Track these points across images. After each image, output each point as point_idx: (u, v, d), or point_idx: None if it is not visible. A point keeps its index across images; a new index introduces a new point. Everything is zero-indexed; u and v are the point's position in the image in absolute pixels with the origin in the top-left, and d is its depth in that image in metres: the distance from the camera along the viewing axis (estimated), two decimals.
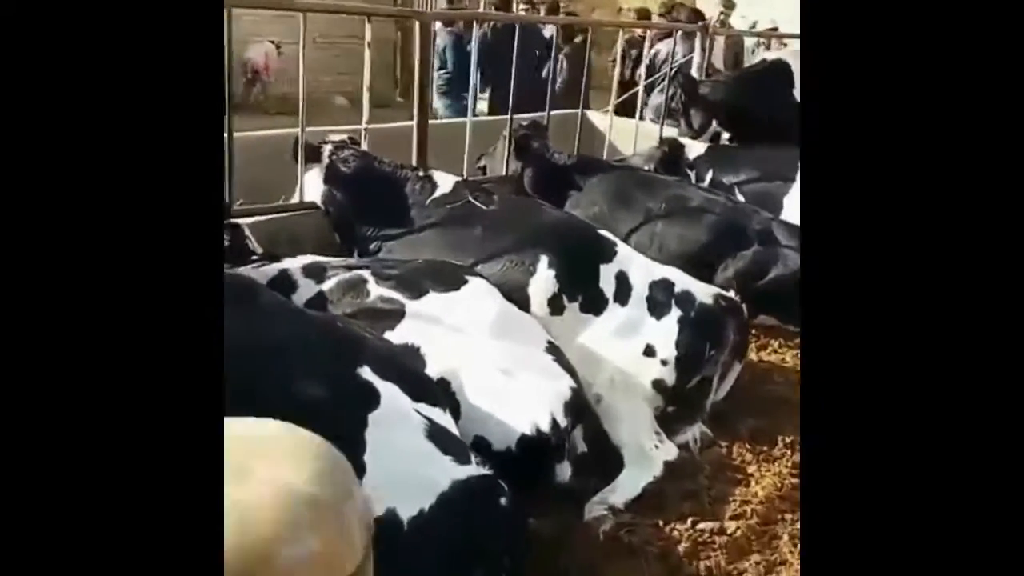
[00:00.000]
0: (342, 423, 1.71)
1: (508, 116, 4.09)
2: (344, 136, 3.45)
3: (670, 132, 5.06)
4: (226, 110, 3.09)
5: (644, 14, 8.36)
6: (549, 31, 6.62)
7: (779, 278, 3.40)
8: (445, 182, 3.26)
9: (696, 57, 5.25)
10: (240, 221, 2.86)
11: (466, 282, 2.52)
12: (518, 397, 2.20)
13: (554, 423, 2.15)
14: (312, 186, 3.27)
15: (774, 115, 4.66)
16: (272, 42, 11.95)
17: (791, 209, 4.14)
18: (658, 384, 2.56)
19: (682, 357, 2.58)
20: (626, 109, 5.84)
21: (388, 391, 1.85)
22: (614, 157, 4.86)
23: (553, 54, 5.70)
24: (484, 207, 3.10)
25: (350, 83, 13.02)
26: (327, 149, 3.30)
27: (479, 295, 2.50)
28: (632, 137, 5.01)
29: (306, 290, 2.50)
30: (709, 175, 4.46)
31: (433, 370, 2.24)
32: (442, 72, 6.95)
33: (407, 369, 2.01)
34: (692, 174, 4.44)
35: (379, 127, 3.86)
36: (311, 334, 1.93)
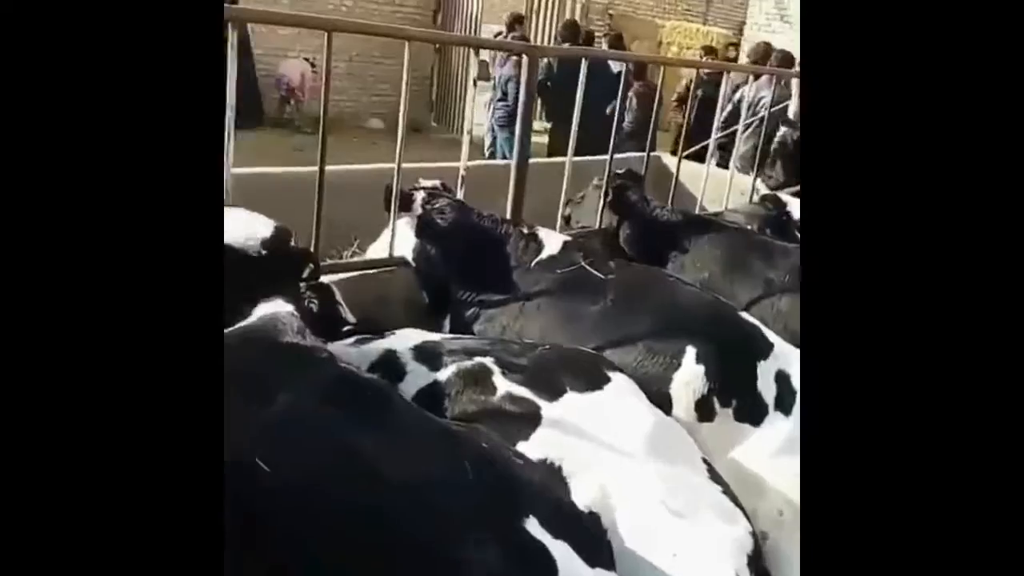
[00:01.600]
0: None
1: (567, 159, 3.58)
2: (437, 181, 3.02)
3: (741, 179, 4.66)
4: (227, 127, 2.58)
5: (710, 51, 7.98)
6: (617, 67, 6.24)
7: None
8: (552, 242, 2.83)
9: (793, 104, 4.84)
10: (329, 280, 2.42)
11: (608, 380, 2.07)
12: (692, 546, 1.74)
13: None
14: (402, 238, 2.84)
15: None
16: (307, 59, 11.61)
17: None
18: None
19: None
20: (694, 153, 5.46)
21: (563, 555, 1.40)
22: (694, 208, 4.43)
23: (621, 92, 5.31)
24: (602, 276, 2.66)
25: (385, 104, 12.78)
26: (419, 197, 2.87)
27: (625, 398, 2.05)
28: (701, 183, 4.55)
29: (418, 378, 2.06)
30: None
31: (580, 498, 1.79)
32: (502, 104, 6.56)
33: (575, 518, 1.56)
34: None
35: (470, 165, 3.44)
36: (461, 465, 1.47)
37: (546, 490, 1.57)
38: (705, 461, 2.02)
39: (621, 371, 2.15)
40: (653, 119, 4.33)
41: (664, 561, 1.73)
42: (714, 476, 1.97)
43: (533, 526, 1.41)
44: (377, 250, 2.99)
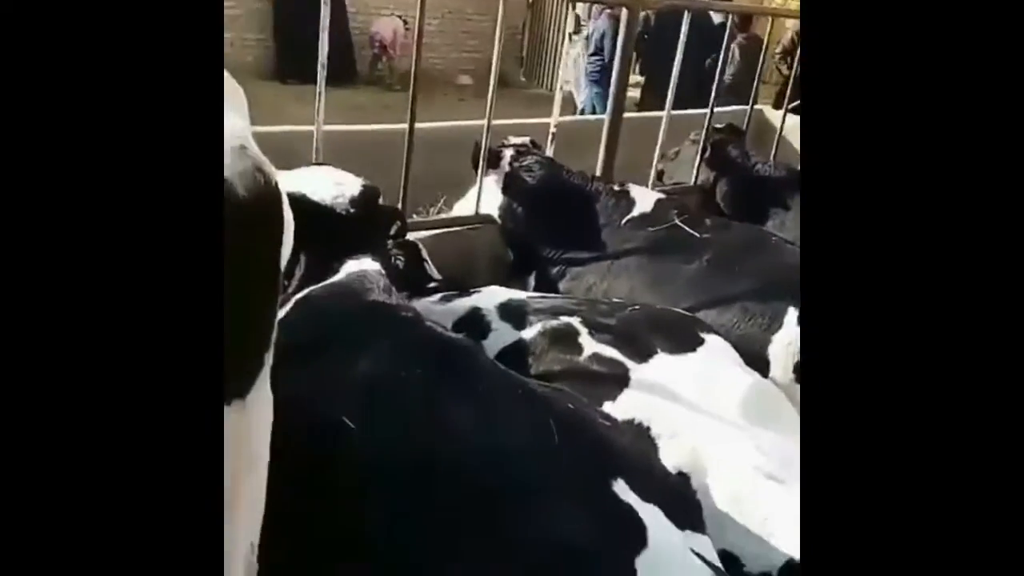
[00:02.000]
0: (606, 573, 1.24)
1: (664, 112, 3.37)
2: (526, 138, 2.96)
3: None
4: (319, 84, 2.52)
5: None
6: (719, 18, 5.93)
7: None
8: (644, 199, 2.73)
9: None
10: (415, 237, 2.42)
11: (702, 341, 1.98)
12: (786, 510, 1.66)
13: None
14: (489, 195, 2.81)
15: None
16: (400, 17, 11.65)
17: None
18: None
19: None
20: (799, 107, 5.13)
21: (653, 518, 1.35)
22: (797, 164, 4.19)
23: (725, 43, 5.02)
24: (696, 234, 2.55)
25: (474, 60, 12.71)
26: (507, 154, 2.82)
27: (720, 360, 1.96)
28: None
29: (502, 336, 2.03)
30: None
31: (670, 460, 1.74)
32: (595, 59, 6.38)
33: (665, 481, 1.51)
34: None
35: (561, 120, 3.34)
36: (548, 428, 1.44)
37: (635, 452, 1.53)
38: None
39: (716, 332, 2.06)
40: (758, 72, 4.09)
41: (756, 524, 1.67)
42: None
43: (622, 489, 1.37)
44: (464, 207, 2.97)
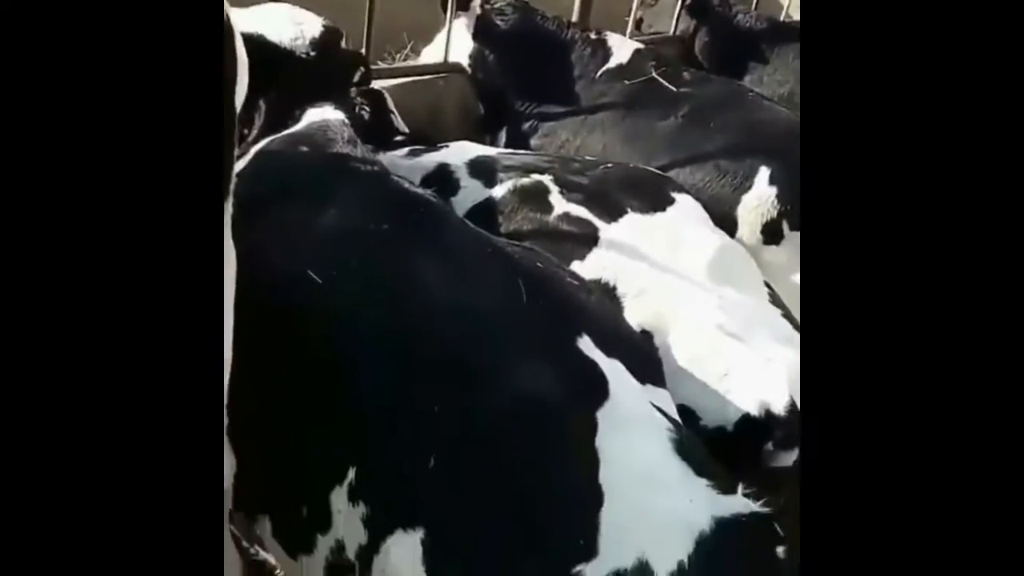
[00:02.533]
0: (568, 424, 1.28)
1: None
2: None
3: None
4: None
5: None
6: None
7: None
8: (621, 49, 2.61)
9: None
10: (380, 86, 2.31)
11: (673, 201, 1.97)
12: (744, 367, 1.72)
13: (792, 407, 1.69)
14: (459, 41, 2.65)
15: None
16: None
17: None
18: None
19: None
20: None
21: (615, 373, 1.39)
22: (778, 16, 4.01)
23: None
24: (674, 88, 2.47)
25: None
26: None
27: (690, 220, 1.96)
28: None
29: (472, 193, 1.99)
30: None
31: (633, 317, 1.77)
32: None
33: (628, 337, 1.54)
34: None
35: None
36: (515, 285, 1.44)
37: (600, 310, 1.54)
38: (767, 285, 1.96)
39: (687, 192, 2.04)
40: None
41: (715, 380, 1.73)
42: (775, 300, 1.91)
43: (586, 344, 1.39)
44: (432, 54, 2.82)
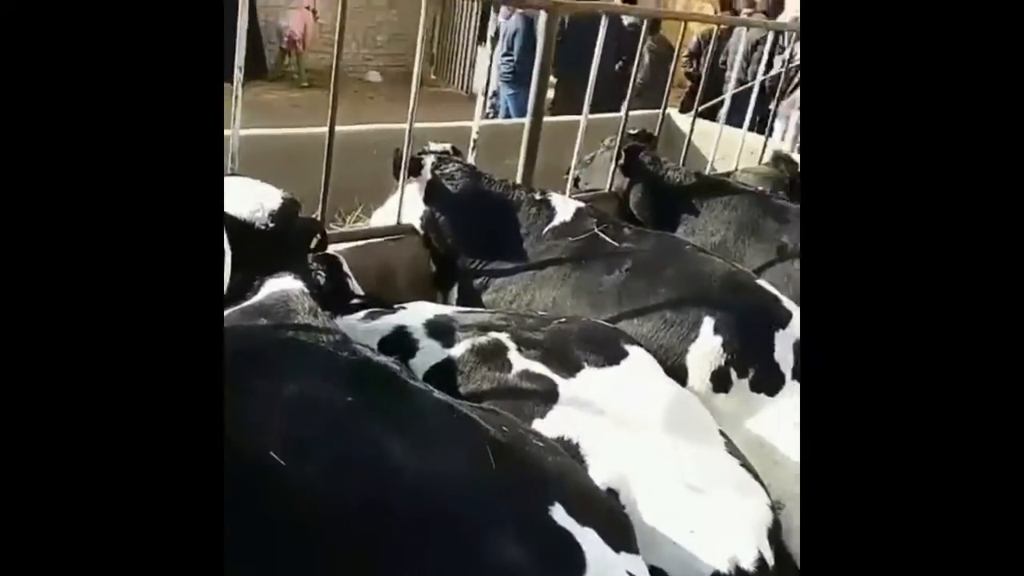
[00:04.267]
0: None
1: (583, 116, 3.36)
2: (447, 145, 2.94)
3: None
4: (236, 88, 2.45)
5: (728, 5, 7.74)
6: (627, 19, 6.04)
7: None
8: (564, 208, 2.76)
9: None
10: (337, 251, 2.36)
11: (626, 354, 2.03)
12: (710, 522, 1.72)
13: (760, 561, 1.68)
14: (410, 204, 2.77)
15: None
16: (309, 8, 11.31)
17: None
18: None
19: None
20: (707, 111, 5.30)
21: (590, 543, 1.37)
22: (703, 169, 4.31)
23: (640, 47, 5.09)
24: (617, 243, 2.60)
25: (383, 57, 12.48)
26: (429, 161, 2.79)
27: (644, 373, 2.01)
28: (712, 143, 4.38)
29: (430, 355, 2.01)
30: None
31: (598, 476, 1.77)
32: (507, 59, 6.39)
33: (600, 503, 1.53)
34: None
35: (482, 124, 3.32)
36: (484, 454, 1.44)
37: (569, 475, 1.54)
38: (722, 434, 2.00)
39: (639, 344, 2.11)
40: (670, 76, 4.19)
41: (683, 537, 1.72)
42: (731, 449, 1.95)
43: (559, 514, 1.38)
44: (384, 216, 2.92)
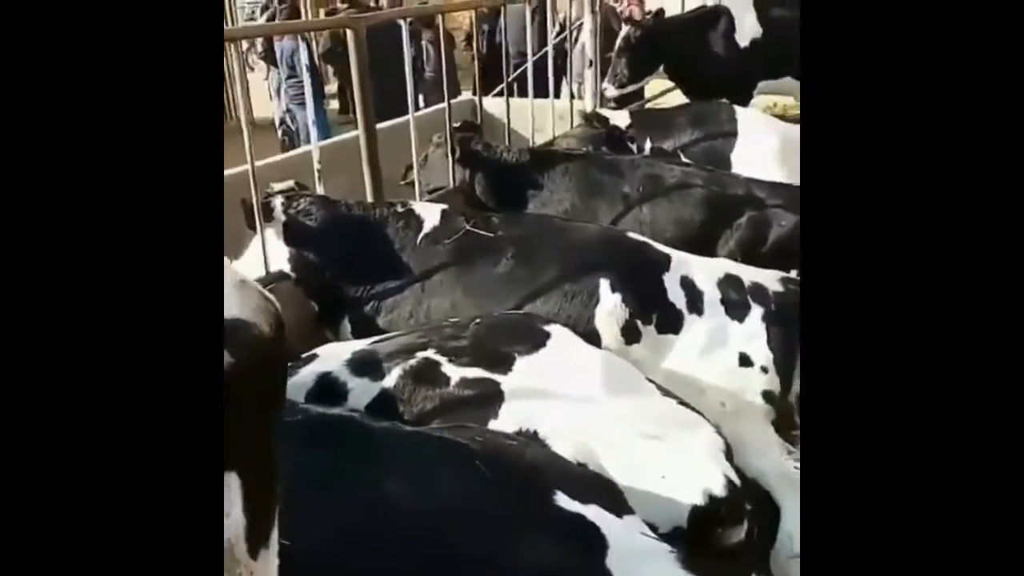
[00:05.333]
0: None
1: (411, 117, 3.41)
2: (289, 182, 2.82)
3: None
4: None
5: None
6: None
7: (779, 240, 3.26)
8: (429, 214, 2.77)
9: (587, 22, 4.98)
10: None
11: (548, 334, 2.10)
12: (675, 463, 1.85)
13: (729, 483, 1.83)
14: (271, 250, 2.64)
15: (721, 61, 4.61)
16: None
17: (740, 164, 4.04)
18: (768, 396, 2.31)
19: (780, 360, 2.34)
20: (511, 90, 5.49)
21: (600, 518, 1.43)
22: (527, 145, 4.48)
23: (426, 48, 5.17)
24: (491, 234, 2.66)
25: None
26: (278, 203, 2.67)
27: (568, 346, 2.10)
28: (526, 120, 4.57)
29: (363, 393, 1.96)
30: (647, 144, 4.26)
31: (564, 454, 1.83)
32: (293, 80, 6.18)
33: (586, 476, 1.59)
34: (634, 147, 4.21)
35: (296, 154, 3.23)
36: (475, 469, 1.44)
37: (552, 461, 1.59)
38: (651, 380, 2.13)
39: (553, 321, 2.19)
40: (450, 63, 4.28)
41: (656, 485, 1.83)
42: (664, 392, 2.09)
43: (564, 501, 1.43)
44: (244, 268, 2.76)
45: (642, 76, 5.09)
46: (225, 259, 0.91)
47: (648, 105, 5.72)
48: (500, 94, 5.04)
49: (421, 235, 2.69)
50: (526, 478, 1.46)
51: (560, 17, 5.50)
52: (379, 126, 4.05)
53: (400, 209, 2.75)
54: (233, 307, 0.85)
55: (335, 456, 1.43)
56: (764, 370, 2.32)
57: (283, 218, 2.65)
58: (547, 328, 2.12)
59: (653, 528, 1.75)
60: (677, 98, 5.71)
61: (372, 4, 8.28)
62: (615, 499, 1.56)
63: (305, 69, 5.94)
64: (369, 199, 3.14)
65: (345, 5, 6.92)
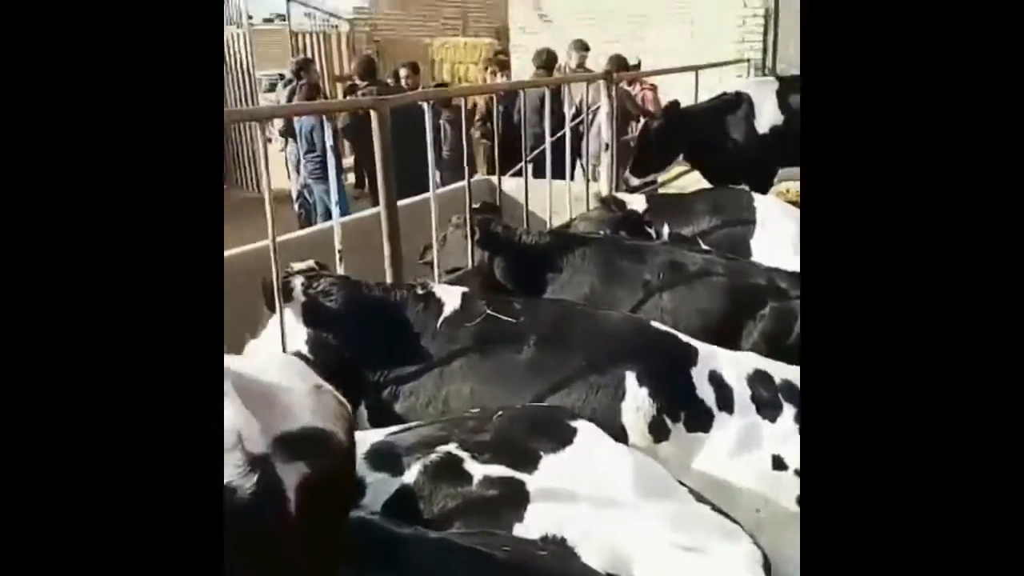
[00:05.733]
0: None
1: (432, 194, 3.41)
2: (309, 261, 2.79)
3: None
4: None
5: (504, 66, 8.15)
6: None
7: None
8: (450, 297, 2.72)
9: (604, 106, 5.06)
10: None
11: (575, 431, 2.01)
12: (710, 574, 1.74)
13: None
14: (290, 331, 2.58)
15: (741, 148, 4.65)
16: None
17: (760, 252, 4.02)
18: None
19: None
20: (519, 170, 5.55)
21: None
22: (543, 226, 4.48)
23: (444, 128, 5.24)
24: (513, 320, 2.60)
25: None
26: (298, 283, 2.63)
27: (596, 444, 2.01)
28: (543, 200, 4.58)
29: (381, 488, 1.86)
30: (665, 229, 4.25)
31: (595, 563, 1.72)
32: (312, 156, 6.26)
33: None
34: (652, 231, 4.21)
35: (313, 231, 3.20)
36: None
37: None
38: (683, 484, 2.04)
39: (579, 416, 2.11)
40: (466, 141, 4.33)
41: None
42: (698, 497, 1.99)
43: None
44: (260, 347, 2.70)
45: (663, 166, 5.16)
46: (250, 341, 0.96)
47: (662, 189, 5.78)
48: (516, 174, 5.09)
49: (441, 319, 2.64)
50: None
51: (576, 100, 5.60)
52: (401, 203, 4.07)
53: (420, 291, 2.71)
54: (309, 415, 0.81)
55: (358, 565, 1.33)
56: (798, 474, 2.22)
57: (303, 298, 2.60)
58: (573, 424, 2.03)
59: None
60: (692, 181, 5.78)
61: (390, 82, 8.51)
62: None
63: (329, 149, 6.05)
64: (388, 277, 3.11)
65: (364, 83, 7.10)
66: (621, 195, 4.60)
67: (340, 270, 2.81)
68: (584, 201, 4.92)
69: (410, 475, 1.87)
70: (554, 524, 1.78)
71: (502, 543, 1.50)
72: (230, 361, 0.85)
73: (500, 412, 2.10)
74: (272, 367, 0.91)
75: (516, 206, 4.65)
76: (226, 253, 3.28)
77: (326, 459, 0.75)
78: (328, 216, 6.09)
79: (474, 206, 3.76)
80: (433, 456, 1.89)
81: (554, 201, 4.66)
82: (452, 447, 1.92)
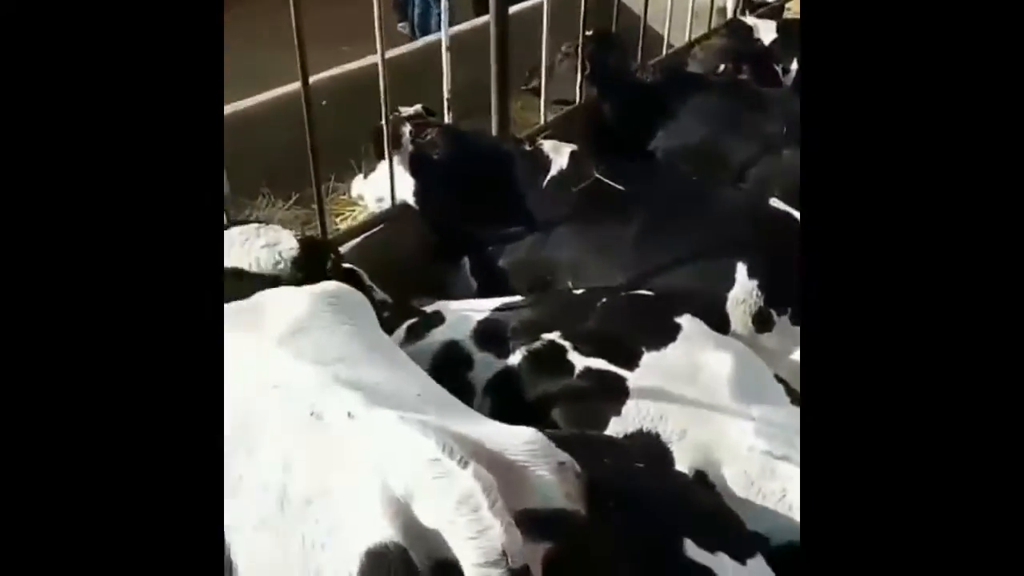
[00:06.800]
0: None
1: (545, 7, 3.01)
2: (417, 106, 2.70)
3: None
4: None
5: None
6: None
7: None
8: (558, 155, 2.63)
9: None
10: (355, 267, 2.20)
11: (679, 327, 2.02)
12: (796, 483, 1.80)
13: None
14: (398, 180, 2.58)
15: None
16: None
17: None
18: None
19: None
20: None
21: (724, 567, 1.42)
22: (660, 48, 4.09)
23: None
24: (621, 187, 2.52)
25: None
26: (406, 131, 2.58)
27: (699, 343, 2.01)
28: (661, 12, 4.12)
29: (487, 368, 1.96)
30: (794, 66, 3.87)
31: (683, 461, 1.82)
32: None
33: (719, 518, 1.57)
34: (779, 68, 3.84)
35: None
36: (607, 507, 1.44)
37: (684, 499, 1.57)
38: (780, 381, 2.05)
39: (686, 310, 2.10)
40: None
41: (774, 502, 1.81)
42: (794, 397, 2.01)
43: (692, 549, 1.41)
44: (361, 188, 2.73)
45: None
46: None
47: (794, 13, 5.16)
48: None
49: (548, 177, 2.58)
50: (656, 525, 1.45)
51: None
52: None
53: (528, 147, 2.62)
54: (555, 497, 0.82)
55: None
56: None
57: (410, 147, 2.57)
58: (678, 320, 2.03)
59: (763, 539, 1.75)
60: None
61: None
62: (743, 540, 1.54)
63: None
64: (494, 102, 2.90)
65: None
66: (748, 19, 4.15)
67: (448, 119, 2.72)
68: (706, 20, 4.47)
69: (514, 358, 1.95)
70: (650, 420, 1.85)
71: (602, 450, 1.58)
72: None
73: (604, 299, 2.11)
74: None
75: (632, 17, 4.26)
76: (334, 72, 3.17)
77: (571, 537, 0.81)
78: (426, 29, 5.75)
79: (587, 33, 3.48)
80: (537, 344, 1.95)
81: (674, 17, 4.24)
82: (555, 335, 1.96)
